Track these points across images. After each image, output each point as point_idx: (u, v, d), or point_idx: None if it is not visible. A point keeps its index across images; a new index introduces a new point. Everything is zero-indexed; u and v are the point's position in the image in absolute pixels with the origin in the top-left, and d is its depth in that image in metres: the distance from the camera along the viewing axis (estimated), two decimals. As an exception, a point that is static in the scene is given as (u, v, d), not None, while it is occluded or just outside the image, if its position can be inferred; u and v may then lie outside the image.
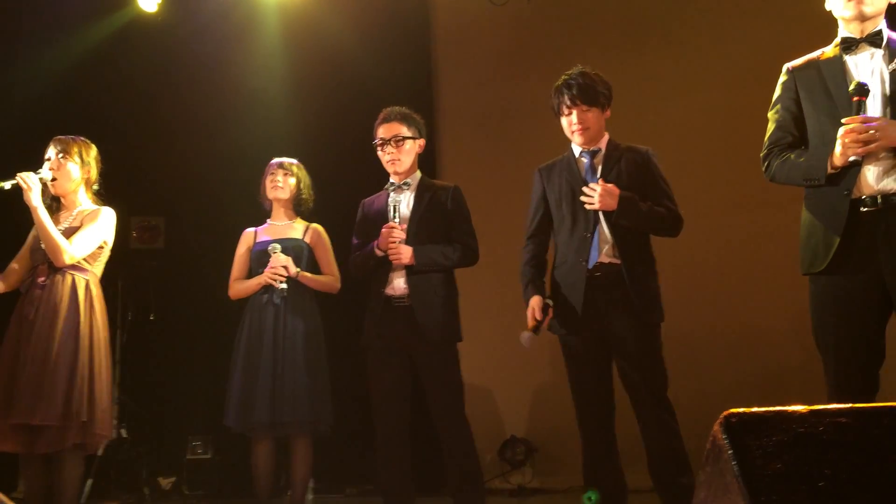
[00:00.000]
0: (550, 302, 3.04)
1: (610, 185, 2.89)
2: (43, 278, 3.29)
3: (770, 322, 4.83)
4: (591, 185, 2.92)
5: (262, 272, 3.77)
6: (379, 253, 3.23)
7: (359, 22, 5.43)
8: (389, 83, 5.08)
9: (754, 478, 1.21)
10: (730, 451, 1.24)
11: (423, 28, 5.77)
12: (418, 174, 3.41)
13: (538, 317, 3.00)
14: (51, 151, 3.45)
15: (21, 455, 3.24)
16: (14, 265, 3.45)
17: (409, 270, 3.21)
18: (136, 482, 5.21)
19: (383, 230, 3.21)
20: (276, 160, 3.98)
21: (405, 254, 3.19)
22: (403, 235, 3.22)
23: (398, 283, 3.24)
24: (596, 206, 2.90)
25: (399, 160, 3.32)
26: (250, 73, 5.56)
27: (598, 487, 2.98)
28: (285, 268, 3.75)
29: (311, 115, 5.42)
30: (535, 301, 3.04)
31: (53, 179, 3.40)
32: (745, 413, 1.26)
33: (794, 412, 1.26)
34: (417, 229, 3.27)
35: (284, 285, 3.73)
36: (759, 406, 1.31)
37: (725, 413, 1.28)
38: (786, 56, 2.74)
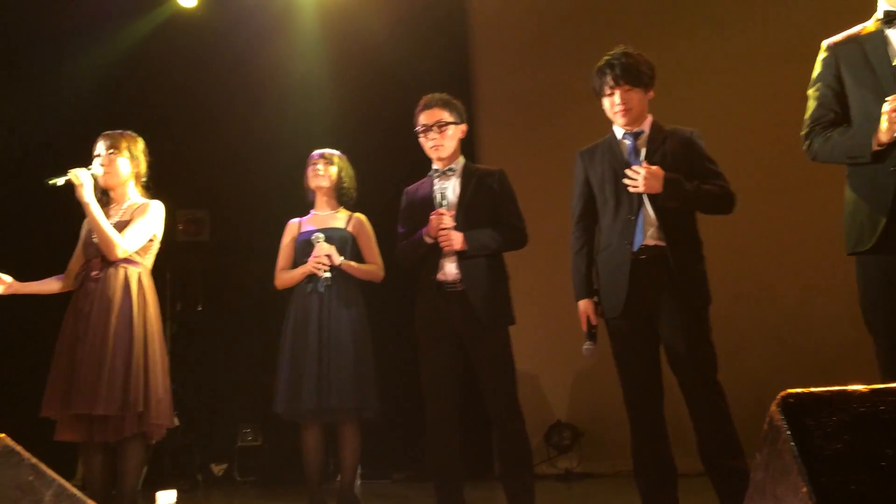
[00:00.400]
0: (597, 299, 3.03)
1: (654, 168, 2.81)
2: (97, 272, 3.34)
3: (818, 302, 4.77)
4: (635, 167, 2.84)
5: (307, 262, 3.82)
6: (428, 240, 3.21)
7: (395, 11, 5.45)
8: (427, 71, 5.09)
9: (814, 458, 1.18)
10: (788, 432, 1.21)
11: (459, 15, 5.76)
12: (462, 159, 3.39)
13: (593, 321, 2.99)
14: (100, 147, 3.48)
15: (81, 444, 3.32)
16: (72, 266, 3.52)
17: (460, 255, 3.20)
18: (189, 469, 5.35)
19: (432, 217, 3.19)
20: (317, 151, 4.03)
21: (456, 240, 3.16)
22: (453, 222, 3.19)
23: (449, 269, 3.22)
24: (640, 189, 2.82)
25: (442, 145, 3.29)
26: (289, 64, 5.62)
27: (647, 472, 2.95)
28: (329, 257, 3.79)
29: (350, 105, 5.46)
30: (585, 306, 3.03)
31: (105, 174, 3.45)
32: (803, 393, 1.24)
33: (853, 391, 1.23)
34: (466, 215, 3.24)
35: (328, 274, 3.77)
36: (808, 387, 1.28)
37: (783, 393, 1.25)
38: (826, 33, 2.68)
